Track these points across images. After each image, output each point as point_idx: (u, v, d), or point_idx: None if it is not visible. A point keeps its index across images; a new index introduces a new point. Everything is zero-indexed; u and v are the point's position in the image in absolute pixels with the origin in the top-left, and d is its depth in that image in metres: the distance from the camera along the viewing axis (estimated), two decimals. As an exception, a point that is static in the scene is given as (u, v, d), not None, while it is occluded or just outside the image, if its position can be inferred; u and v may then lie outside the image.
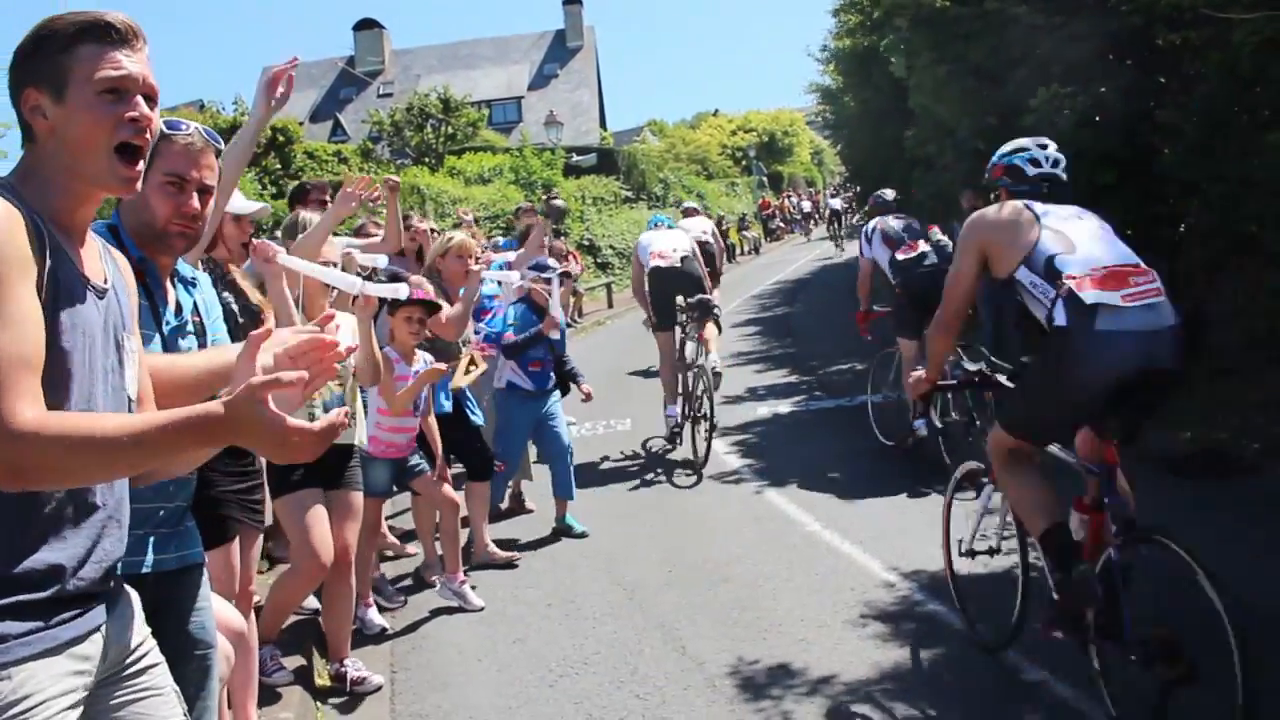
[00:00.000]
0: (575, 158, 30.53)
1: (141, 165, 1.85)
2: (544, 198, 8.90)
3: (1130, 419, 3.67)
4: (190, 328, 2.62)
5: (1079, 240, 3.65)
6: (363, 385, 4.72)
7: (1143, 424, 3.77)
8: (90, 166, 1.80)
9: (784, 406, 10.41)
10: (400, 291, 3.96)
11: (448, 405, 6.02)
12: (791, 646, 4.76)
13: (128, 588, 1.99)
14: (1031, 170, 4.01)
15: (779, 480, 7.63)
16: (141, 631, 1.99)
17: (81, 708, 1.80)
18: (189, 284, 2.70)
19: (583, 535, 6.75)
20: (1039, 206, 3.79)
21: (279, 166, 24.85)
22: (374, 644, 5.24)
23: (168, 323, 2.55)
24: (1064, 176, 4.02)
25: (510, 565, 6.24)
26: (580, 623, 5.33)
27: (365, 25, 53.45)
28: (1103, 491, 3.72)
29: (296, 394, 1.71)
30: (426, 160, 29.97)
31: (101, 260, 1.88)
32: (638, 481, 7.98)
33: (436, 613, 5.64)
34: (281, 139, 25.54)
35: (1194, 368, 8.46)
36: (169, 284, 2.61)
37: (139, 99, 1.81)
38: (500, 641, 5.18)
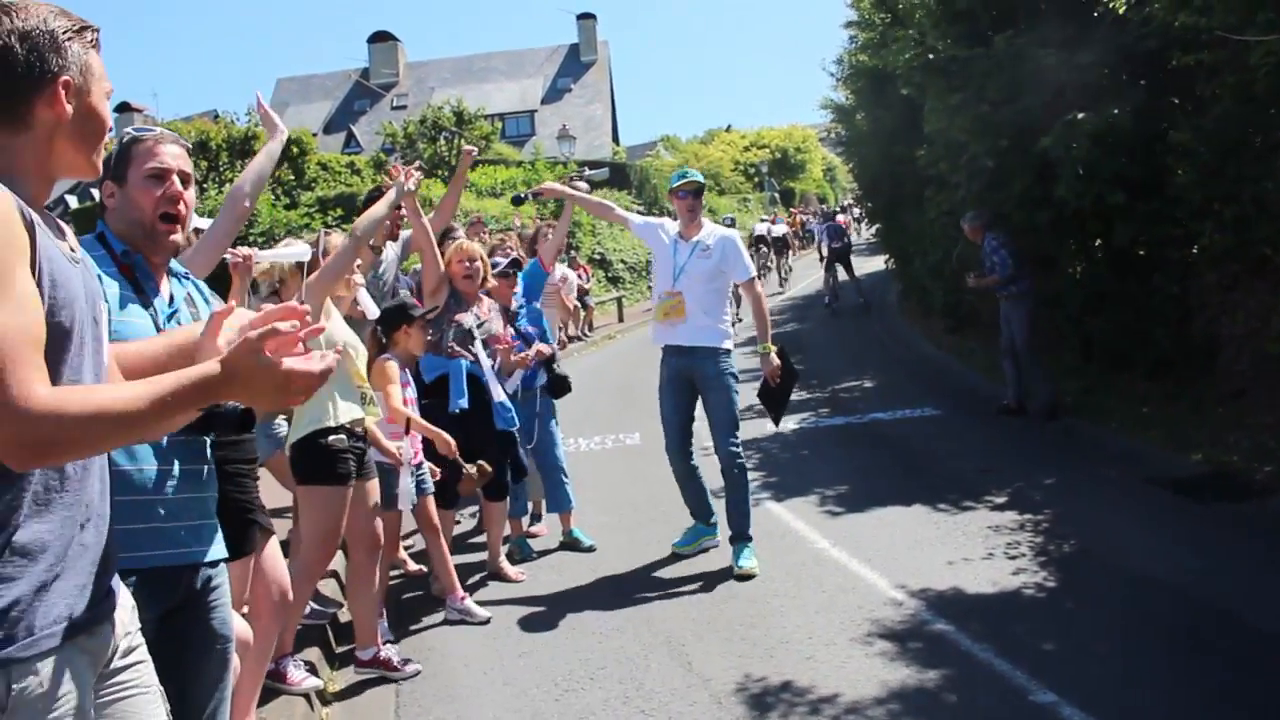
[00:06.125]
0: (588, 172, 30.57)
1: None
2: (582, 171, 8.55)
3: None
4: (185, 316, 2.72)
5: None
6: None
7: None
8: (95, 154, 1.92)
9: (792, 423, 10.38)
10: (303, 254, 4.06)
11: (463, 403, 5.90)
12: (798, 664, 4.74)
13: (118, 580, 1.99)
14: None
15: (787, 497, 7.62)
16: (134, 624, 2.01)
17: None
18: (180, 277, 2.82)
19: (590, 549, 6.75)
20: None
21: (292, 177, 24.99)
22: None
23: (160, 311, 2.65)
24: None
25: (516, 580, 6.24)
26: (586, 637, 5.32)
27: (380, 38, 53.69)
28: None
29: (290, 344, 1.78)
30: (439, 173, 30.04)
31: (65, 233, 1.92)
32: (645, 496, 7.97)
33: (443, 625, 5.63)
34: (295, 150, 25.69)
35: (1206, 390, 8.48)
36: (162, 280, 2.73)
37: None
38: (507, 654, 5.17)
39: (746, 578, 6.00)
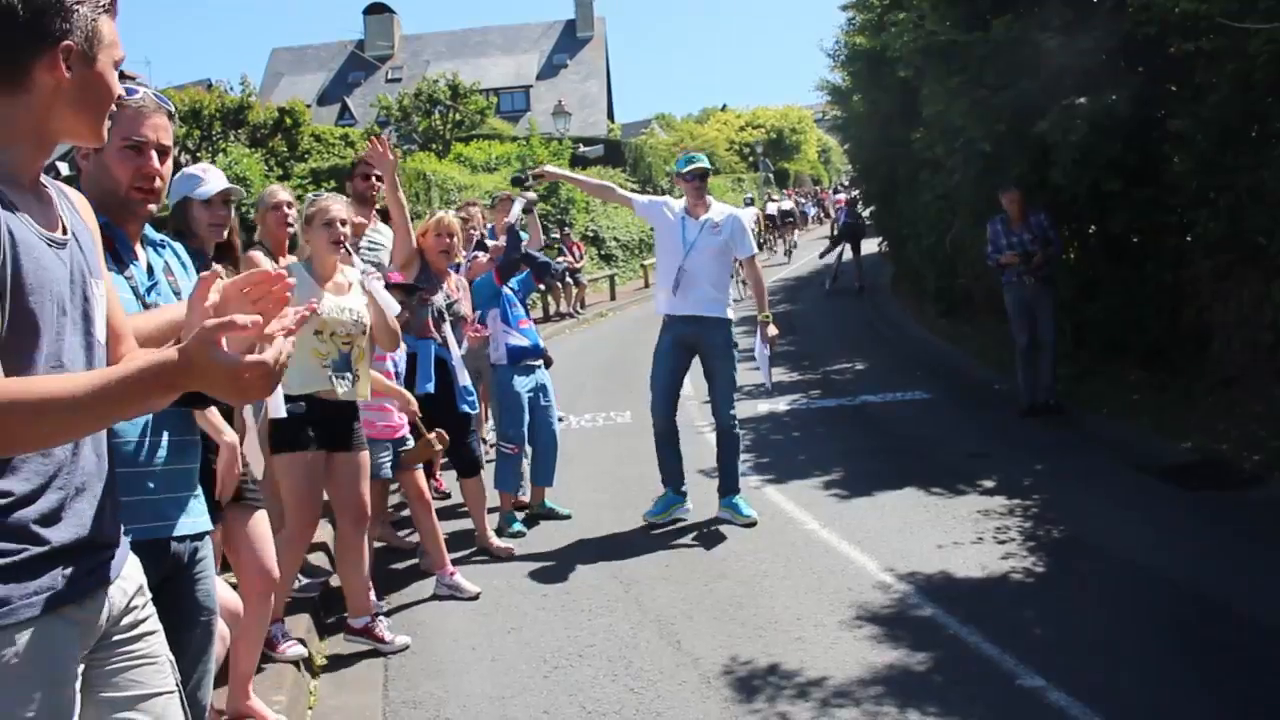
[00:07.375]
0: (582, 148, 30.52)
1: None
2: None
3: None
4: (165, 287, 2.68)
5: None
6: (385, 349, 5.16)
7: None
8: (99, 122, 1.84)
9: (783, 404, 10.39)
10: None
11: (430, 386, 5.86)
12: (787, 645, 4.75)
13: (130, 551, 1.98)
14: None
15: (778, 478, 7.63)
16: (142, 596, 1.99)
17: (83, 667, 1.81)
18: (158, 246, 2.77)
19: (566, 517, 6.88)
20: None
21: (285, 149, 24.86)
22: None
23: (140, 283, 2.61)
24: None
25: (509, 557, 6.23)
26: (576, 614, 5.32)
27: (376, 9, 53.36)
28: None
29: (253, 335, 1.70)
30: (433, 146, 29.94)
31: (58, 208, 1.84)
32: (636, 475, 7.96)
33: (431, 600, 5.63)
34: (289, 121, 25.56)
35: (1197, 378, 8.49)
36: (138, 248, 2.68)
37: None
38: (495, 631, 5.18)
39: (751, 524, 6.52)
